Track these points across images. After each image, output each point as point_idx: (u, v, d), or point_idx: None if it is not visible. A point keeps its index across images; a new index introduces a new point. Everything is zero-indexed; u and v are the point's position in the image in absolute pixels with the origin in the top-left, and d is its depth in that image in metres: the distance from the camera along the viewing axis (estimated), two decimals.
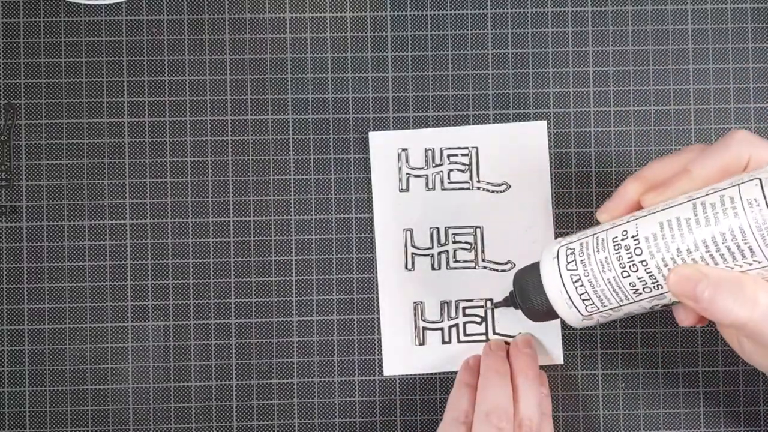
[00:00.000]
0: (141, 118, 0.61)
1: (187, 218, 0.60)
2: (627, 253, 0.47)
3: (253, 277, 0.60)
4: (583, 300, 0.50)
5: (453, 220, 0.60)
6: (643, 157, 0.61)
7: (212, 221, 0.60)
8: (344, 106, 0.61)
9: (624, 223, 0.49)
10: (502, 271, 0.60)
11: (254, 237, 0.60)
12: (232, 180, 0.61)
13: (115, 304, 0.60)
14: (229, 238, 0.60)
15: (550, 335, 0.60)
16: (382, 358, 0.60)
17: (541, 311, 0.52)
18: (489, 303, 0.60)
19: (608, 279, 0.48)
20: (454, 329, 0.60)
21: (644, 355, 0.60)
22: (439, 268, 0.60)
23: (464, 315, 0.60)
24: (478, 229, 0.60)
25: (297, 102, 0.61)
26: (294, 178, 0.61)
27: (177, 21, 0.61)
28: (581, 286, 0.49)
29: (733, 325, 0.45)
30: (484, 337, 0.60)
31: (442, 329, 0.60)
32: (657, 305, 0.49)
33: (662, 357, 0.60)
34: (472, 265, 0.60)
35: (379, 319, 0.60)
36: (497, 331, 0.60)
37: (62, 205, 0.60)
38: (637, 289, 0.48)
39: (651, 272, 0.47)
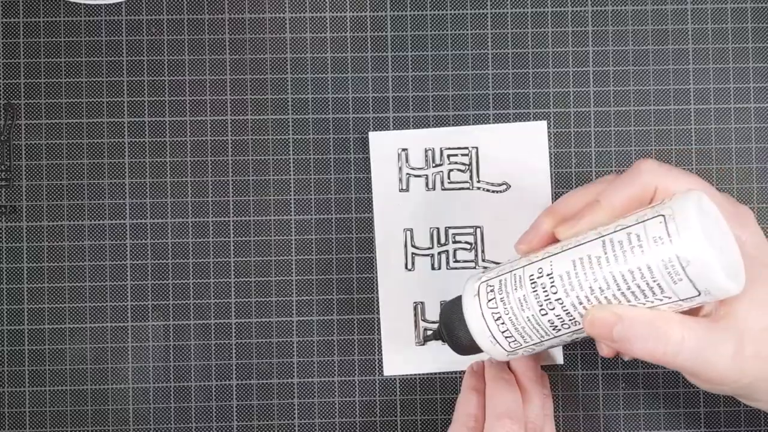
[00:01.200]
0: (141, 118, 0.61)
1: (187, 218, 0.60)
2: (543, 291, 0.48)
3: (253, 277, 0.60)
4: (505, 337, 0.50)
5: (453, 220, 0.60)
6: (643, 156, 0.60)
7: (212, 221, 0.60)
8: (344, 106, 0.61)
9: (539, 260, 0.49)
10: None
11: (254, 237, 0.60)
12: (232, 180, 0.61)
13: (115, 304, 0.60)
14: (229, 238, 0.60)
15: None
16: (382, 358, 0.60)
17: (467, 346, 0.52)
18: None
19: (527, 317, 0.49)
20: None
21: None
22: (439, 268, 0.60)
23: None
24: (478, 229, 0.60)
25: (297, 102, 0.61)
26: (294, 178, 0.61)
27: (177, 21, 0.61)
28: (503, 323, 0.50)
29: (652, 361, 0.46)
30: None
31: None
32: (577, 338, 0.50)
33: None
34: (472, 265, 0.60)
35: (379, 319, 0.60)
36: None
37: (62, 205, 0.60)
38: (556, 326, 0.48)
39: (567, 310, 0.47)
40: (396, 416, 0.60)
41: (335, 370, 0.60)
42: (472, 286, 0.51)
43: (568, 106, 0.61)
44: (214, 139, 0.61)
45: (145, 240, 0.60)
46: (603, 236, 0.46)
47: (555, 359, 0.60)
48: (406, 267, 0.60)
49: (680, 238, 0.44)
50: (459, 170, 0.60)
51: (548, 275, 0.48)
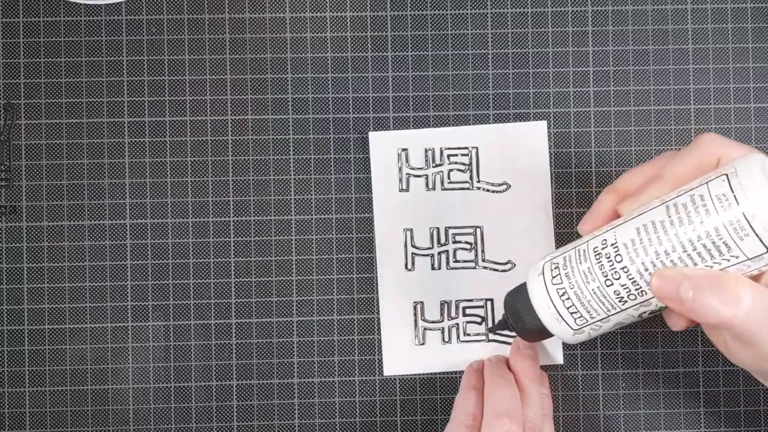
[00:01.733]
0: (141, 117, 0.60)
1: (187, 218, 0.60)
2: (608, 261, 0.48)
3: (253, 277, 0.60)
4: (571, 313, 0.50)
5: (453, 220, 0.60)
6: (643, 157, 0.61)
7: (212, 221, 0.60)
8: (344, 106, 0.61)
9: (603, 232, 0.49)
10: (502, 271, 0.60)
11: (254, 237, 0.60)
12: (232, 180, 0.60)
13: (115, 304, 0.60)
14: (230, 238, 0.60)
15: None
16: (382, 358, 0.60)
17: (534, 330, 0.53)
18: (489, 302, 0.60)
19: (593, 289, 0.49)
20: (454, 329, 0.60)
21: (644, 355, 0.60)
22: (439, 268, 0.60)
23: (464, 315, 0.60)
24: (478, 229, 0.60)
25: (297, 102, 0.61)
26: (294, 178, 0.61)
27: (177, 21, 0.61)
28: (568, 299, 0.50)
29: (719, 324, 0.45)
30: (484, 337, 0.60)
31: (442, 329, 0.60)
32: (644, 312, 0.49)
33: (662, 357, 0.60)
34: (472, 265, 0.60)
35: (379, 319, 0.60)
36: (498, 331, 0.60)
37: (62, 205, 0.60)
38: (622, 297, 0.48)
39: (633, 278, 0.47)
40: (396, 416, 0.60)
41: (335, 371, 0.60)
42: (536, 266, 0.52)
43: (568, 106, 0.61)
44: (215, 139, 0.61)
45: (146, 240, 0.60)
46: (666, 202, 0.47)
47: (555, 359, 0.60)
48: (406, 267, 0.60)
49: (744, 192, 0.44)
50: (459, 170, 0.60)
51: (612, 245, 0.48)
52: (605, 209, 0.51)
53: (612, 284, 0.48)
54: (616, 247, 0.48)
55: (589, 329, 0.51)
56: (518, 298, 0.53)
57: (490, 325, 0.60)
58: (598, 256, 0.48)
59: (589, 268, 0.49)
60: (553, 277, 0.50)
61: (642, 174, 0.50)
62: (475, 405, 0.55)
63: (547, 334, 0.52)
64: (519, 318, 0.53)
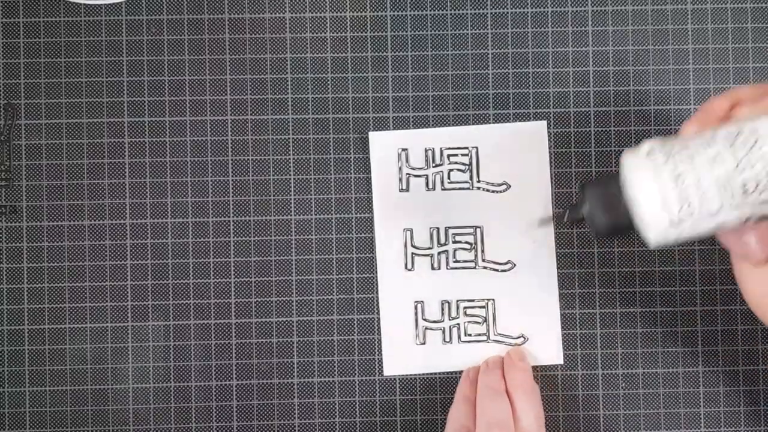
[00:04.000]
0: (141, 117, 0.61)
1: (187, 218, 0.60)
2: (744, 147, 0.45)
3: (253, 277, 0.60)
4: (679, 200, 0.46)
5: (453, 220, 0.60)
6: None
7: (212, 221, 0.60)
8: (344, 106, 0.61)
9: (734, 123, 0.46)
10: (502, 271, 0.60)
11: (254, 237, 0.60)
12: (232, 180, 0.61)
13: (115, 304, 0.60)
14: (229, 238, 0.60)
15: (550, 335, 0.60)
16: (382, 358, 0.60)
17: (618, 222, 0.47)
18: (491, 303, 0.60)
19: (717, 175, 0.45)
20: (455, 329, 0.60)
21: (644, 355, 0.60)
22: (439, 268, 0.60)
23: (465, 315, 0.60)
24: (478, 229, 0.60)
25: (297, 102, 0.61)
26: (294, 178, 0.61)
27: (177, 21, 0.61)
28: (683, 182, 0.45)
29: None
30: (485, 337, 0.60)
31: (443, 329, 0.60)
32: (755, 215, 0.46)
33: (662, 357, 0.60)
34: (472, 265, 0.60)
35: (379, 319, 0.60)
36: (498, 331, 0.60)
37: (62, 205, 0.60)
38: (747, 189, 0.45)
39: None
40: (396, 416, 0.60)
41: (335, 370, 0.60)
42: (638, 150, 0.47)
43: (568, 106, 0.61)
44: (214, 139, 0.61)
45: (145, 240, 0.60)
46: None
47: (555, 359, 0.60)
48: (406, 267, 0.60)
49: None
50: (459, 170, 0.60)
51: (752, 131, 0.45)
52: (720, 110, 0.48)
53: (744, 171, 0.45)
54: (757, 132, 0.44)
55: (690, 224, 0.46)
56: (607, 185, 0.47)
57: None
58: (731, 143, 0.45)
59: (718, 152, 0.45)
60: (667, 159, 0.46)
61: (762, 88, 0.47)
62: (468, 417, 0.56)
63: (626, 229, 0.47)
64: (612, 205, 0.47)
